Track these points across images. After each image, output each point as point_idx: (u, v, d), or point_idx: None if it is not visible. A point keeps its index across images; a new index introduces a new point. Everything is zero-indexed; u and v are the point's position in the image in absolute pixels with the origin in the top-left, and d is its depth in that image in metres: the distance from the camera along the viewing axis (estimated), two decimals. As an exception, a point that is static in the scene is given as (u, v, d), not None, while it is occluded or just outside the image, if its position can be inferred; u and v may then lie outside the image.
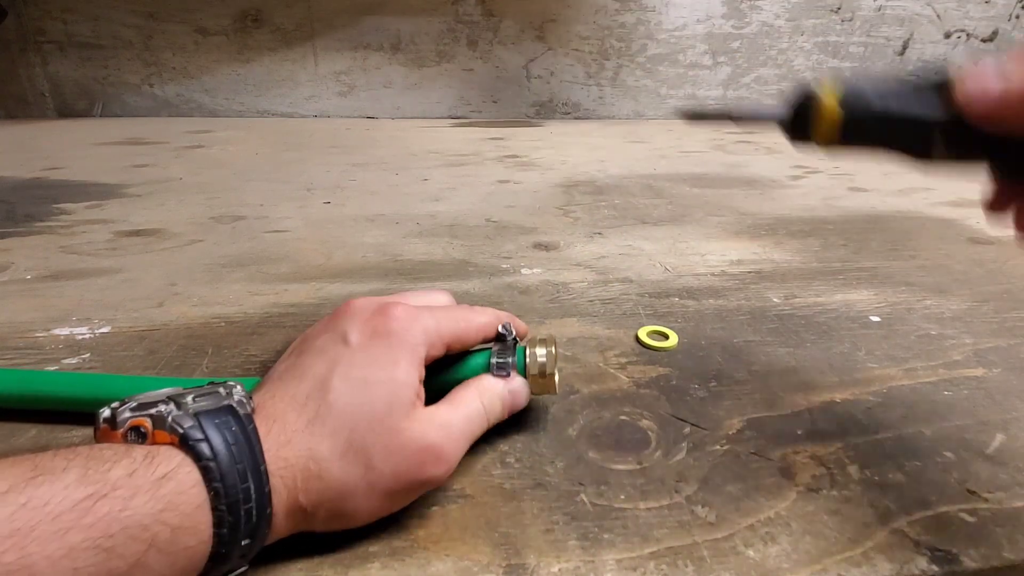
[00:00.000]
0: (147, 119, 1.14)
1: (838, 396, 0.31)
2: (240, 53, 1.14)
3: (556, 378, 0.27)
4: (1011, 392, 0.32)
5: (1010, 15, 1.27)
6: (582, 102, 1.26)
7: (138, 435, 0.19)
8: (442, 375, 0.26)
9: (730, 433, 0.28)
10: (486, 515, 0.23)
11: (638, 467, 0.26)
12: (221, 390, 0.21)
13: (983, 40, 1.29)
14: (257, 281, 0.44)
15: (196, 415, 0.19)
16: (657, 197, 0.69)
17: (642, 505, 0.24)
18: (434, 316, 0.25)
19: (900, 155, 0.24)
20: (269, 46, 1.14)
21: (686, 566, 0.21)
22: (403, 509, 0.22)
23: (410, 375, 0.22)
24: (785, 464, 0.26)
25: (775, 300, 0.43)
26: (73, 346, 0.35)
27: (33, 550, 0.15)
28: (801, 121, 0.26)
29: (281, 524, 0.20)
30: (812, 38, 1.25)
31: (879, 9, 1.24)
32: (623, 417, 0.29)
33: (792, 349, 0.36)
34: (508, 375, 0.26)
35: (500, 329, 0.27)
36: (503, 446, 0.27)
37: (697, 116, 0.31)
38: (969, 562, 0.22)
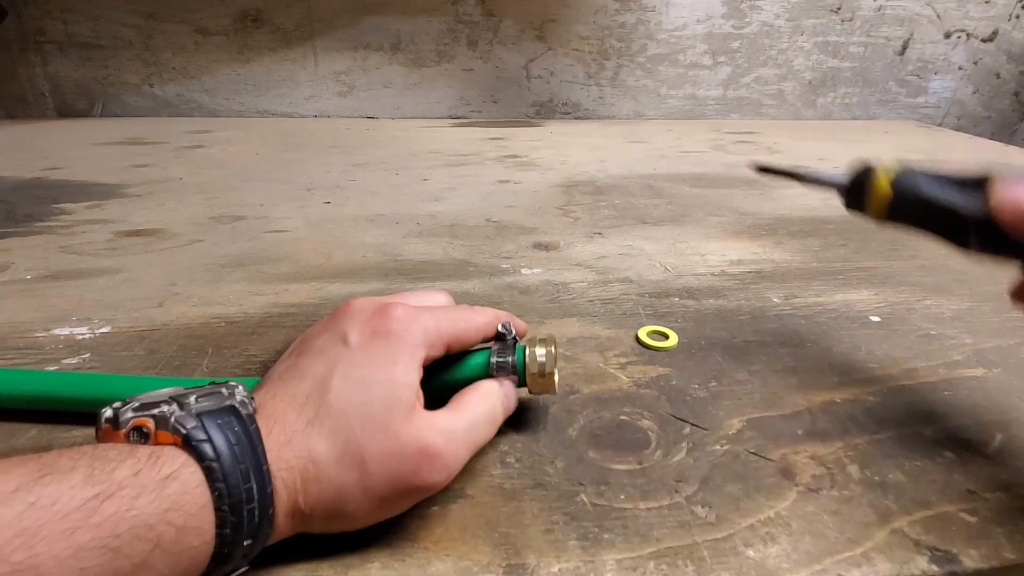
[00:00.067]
0: (147, 119, 1.14)
1: (838, 396, 0.31)
2: (240, 53, 1.14)
3: (556, 378, 0.27)
4: (1011, 392, 0.32)
5: (1010, 15, 1.27)
6: (582, 102, 1.26)
7: (140, 435, 0.19)
8: (442, 375, 0.26)
9: (730, 433, 0.28)
10: (486, 515, 0.23)
11: (638, 467, 0.26)
12: (223, 390, 0.20)
13: (983, 40, 1.29)
14: (257, 281, 0.44)
15: (199, 415, 0.19)
16: (657, 197, 0.69)
17: (642, 505, 0.24)
18: (434, 316, 0.25)
19: (941, 240, 0.27)
20: (269, 46, 1.14)
21: (686, 566, 0.21)
22: (403, 509, 0.22)
23: (409, 375, 0.22)
24: (785, 464, 0.26)
25: (775, 300, 0.43)
26: (73, 346, 0.35)
27: (41, 549, 0.15)
28: (858, 193, 0.29)
29: (282, 525, 0.20)
30: (812, 38, 1.25)
31: (879, 9, 1.23)
32: (623, 417, 0.29)
33: (792, 349, 0.36)
34: (508, 375, 0.26)
35: (500, 328, 0.27)
36: (503, 446, 0.27)
37: (767, 170, 0.36)
38: (969, 562, 0.22)
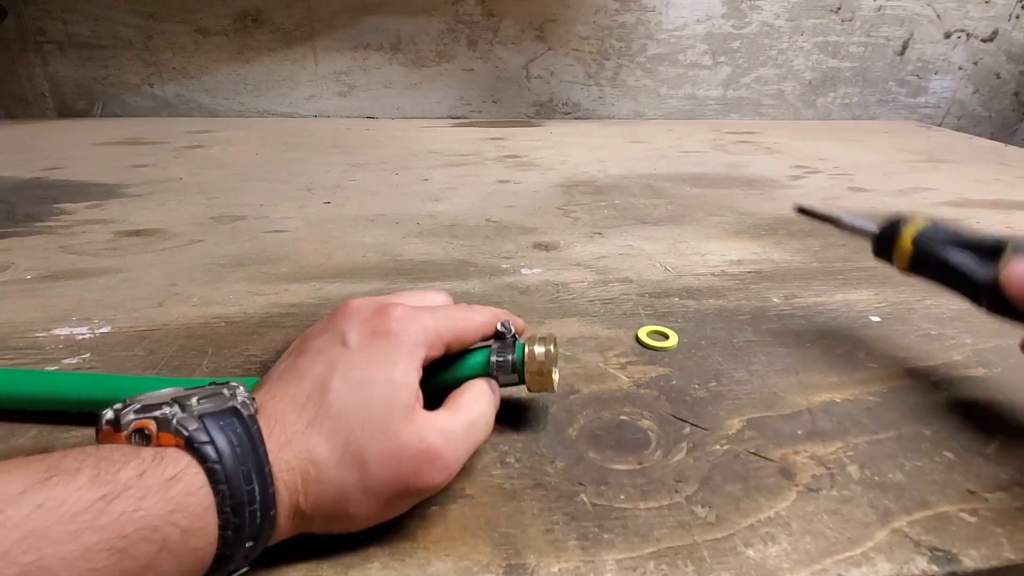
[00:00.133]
0: (147, 119, 1.14)
1: (838, 396, 0.31)
2: (240, 53, 1.14)
3: (555, 376, 0.27)
4: (1011, 392, 0.32)
5: (1010, 15, 1.27)
6: (582, 102, 1.26)
7: (142, 437, 0.19)
8: (441, 375, 0.26)
9: (730, 433, 0.28)
10: (486, 515, 0.23)
11: (638, 467, 0.26)
12: (225, 391, 0.20)
13: (983, 40, 1.29)
14: (257, 281, 0.44)
15: (201, 417, 0.19)
16: (657, 197, 0.69)
17: (642, 505, 0.24)
18: (433, 316, 0.25)
19: (960, 296, 0.29)
20: (269, 46, 1.14)
21: (686, 566, 0.21)
22: (403, 509, 0.22)
23: (408, 376, 0.22)
24: (785, 464, 0.26)
25: (775, 300, 0.43)
26: (73, 346, 0.35)
27: (49, 551, 0.15)
28: (886, 245, 0.32)
29: (283, 526, 0.20)
30: (812, 38, 1.25)
31: (879, 9, 1.24)
32: (623, 417, 0.29)
33: (792, 349, 0.36)
34: (509, 373, 0.26)
35: (499, 327, 0.27)
36: (503, 446, 0.27)
37: (807, 213, 0.39)
38: (969, 562, 0.22)
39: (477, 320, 0.26)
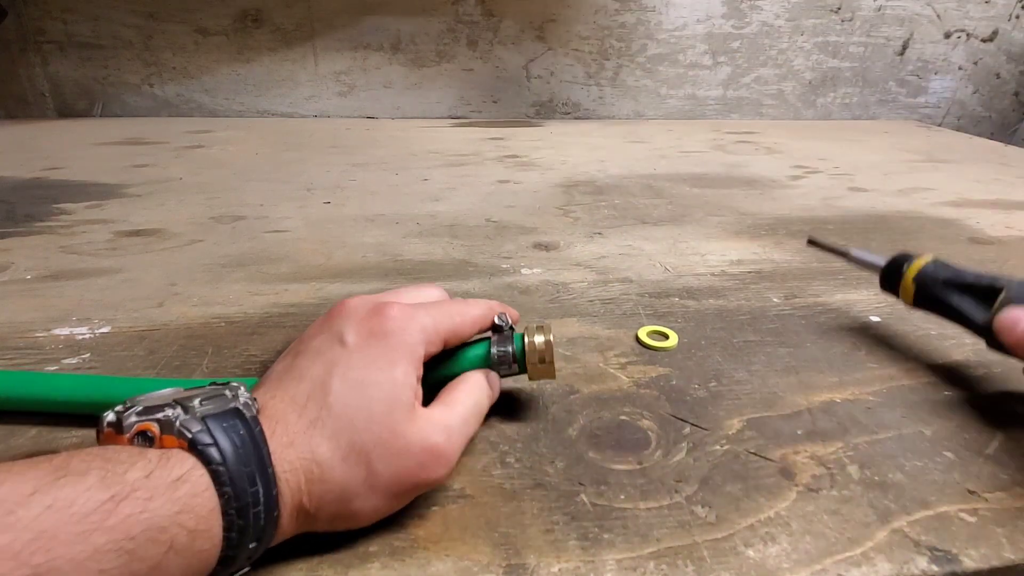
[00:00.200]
0: (147, 119, 1.14)
1: (838, 396, 0.31)
2: (240, 53, 1.14)
3: (555, 364, 0.27)
4: (1011, 392, 0.32)
5: (1010, 15, 1.27)
6: (582, 102, 1.26)
7: (145, 440, 0.19)
8: (440, 369, 0.26)
9: (730, 433, 0.28)
10: (486, 515, 0.23)
11: (638, 467, 0.26)
12: (227, 392, 0.20)
13: (983, 40, 1.29)
14: (257, 281, 0.44)
15: (204, 419, 0.19)
16: (657, 197, 0.69)
17: (642, 505, 0.24)
18: (430, 313, 0.25)
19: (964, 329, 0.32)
20: (269, 46, 1.14)
21: (686, 566, 0.21)
22: (403, 509, 0.22)
23: (408, 375, 0.22)
24: (785, 464, 0.26)
25: (775, 300, 0.43)
26: (73, 346, 0.35)
27: (59, 552, 0.15)
28: (892, 280, 0.34)
29: (286, 526, 0.20)
30: (812, 38, 1.25)
31: (879, 9, 1.23)
32: (623, 417, 0.29)
33: (792, 349, 0.36)
34: (511, 364, 0.27)
35: (496, 320, 0.27)
36: (503, 446, 0.27)
37: (817, 245, 0.40)
38: (969, 562, 0.22)
39: (473, 314, 0.27)
